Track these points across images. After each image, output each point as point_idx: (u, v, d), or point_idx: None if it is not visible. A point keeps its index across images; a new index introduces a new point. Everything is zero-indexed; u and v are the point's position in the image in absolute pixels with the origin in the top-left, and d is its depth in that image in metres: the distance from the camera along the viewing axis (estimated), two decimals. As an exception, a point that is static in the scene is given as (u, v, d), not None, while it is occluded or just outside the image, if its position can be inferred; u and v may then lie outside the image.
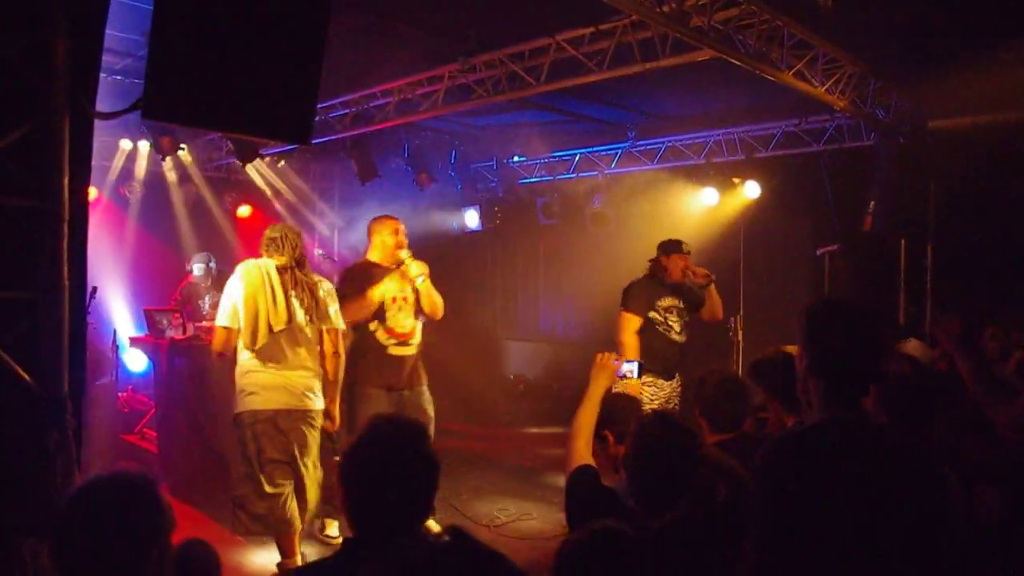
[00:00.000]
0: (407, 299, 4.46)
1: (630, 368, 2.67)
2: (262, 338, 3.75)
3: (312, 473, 3.94)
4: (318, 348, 3.96)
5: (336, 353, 4.00)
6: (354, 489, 1.60)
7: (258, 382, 3.79)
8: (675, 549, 1.47)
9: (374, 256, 4.54)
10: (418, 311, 4.51)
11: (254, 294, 3.76)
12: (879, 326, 1.75)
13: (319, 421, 3.96)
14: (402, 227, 4.53)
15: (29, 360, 1.74)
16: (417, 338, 4.54)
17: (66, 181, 1.86)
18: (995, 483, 2.30)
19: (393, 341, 4.43)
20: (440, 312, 4.57)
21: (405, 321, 4.46)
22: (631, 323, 4.73)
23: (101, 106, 2.20)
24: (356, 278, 4.43)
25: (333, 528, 4.52)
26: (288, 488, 3.82)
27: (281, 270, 3.86)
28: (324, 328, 3.97)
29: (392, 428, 1.65)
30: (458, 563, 0.85)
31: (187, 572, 1.98)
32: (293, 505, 3.82)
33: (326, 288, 4.02)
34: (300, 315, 3.85)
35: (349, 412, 4.26)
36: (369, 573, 0.87)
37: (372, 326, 4.40)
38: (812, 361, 1.68)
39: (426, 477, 1.61)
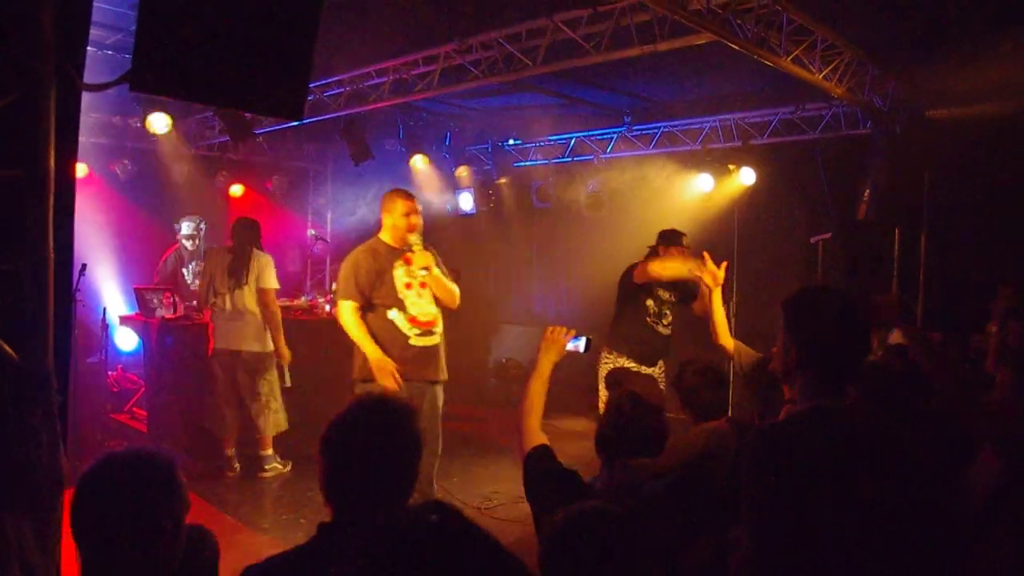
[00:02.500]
0: (425, 284, 4.08)
1: (575, 344, 2.57)
2: (215, 299, 5.35)
3: (264, 398, 5.37)
4: (257, 305, 5.34)
5: (266, 305, 5.34)
6: (334, 465, 1.57)
7: (219, 331, 5.36)
8: (649, 527, 1.47)
9: (385, 235, 4.14)
10: (436, 300, 4.16)
11: (210, 269, 5.43)
12: (862, 314, 1.75)
13: (266, 360, 5.38)
14: (417, 207, 4.13)
15: (13, 335, 1.71)
16: (440, 326, 4.15)
17: (52, 153, 1.82)
18: (995, 452, 2.30)
19: (416, 331, 4.03)
20: (456, 302, 4.20)
21: (428, 307, 4.08)
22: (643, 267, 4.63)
23: (91, 81, 2.16)
24: (361, 268, 4.01)
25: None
26: (248, 404, 5.36)
27: (229, 251, 5.40)
28: (257, 289, 5.33)
29: (377, 405, 1.62)
30: (447, 542, 0.83)
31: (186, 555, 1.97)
32: (240, 417, 5.41)
33: (260, 262, 5.36)
34: (239, 279, 5.29)
35: None
36: (357, 554, 0.84)
37: (391, 314, 4.01)
38: (799, 352, 1.68)
39: (408, 457, 1.58)
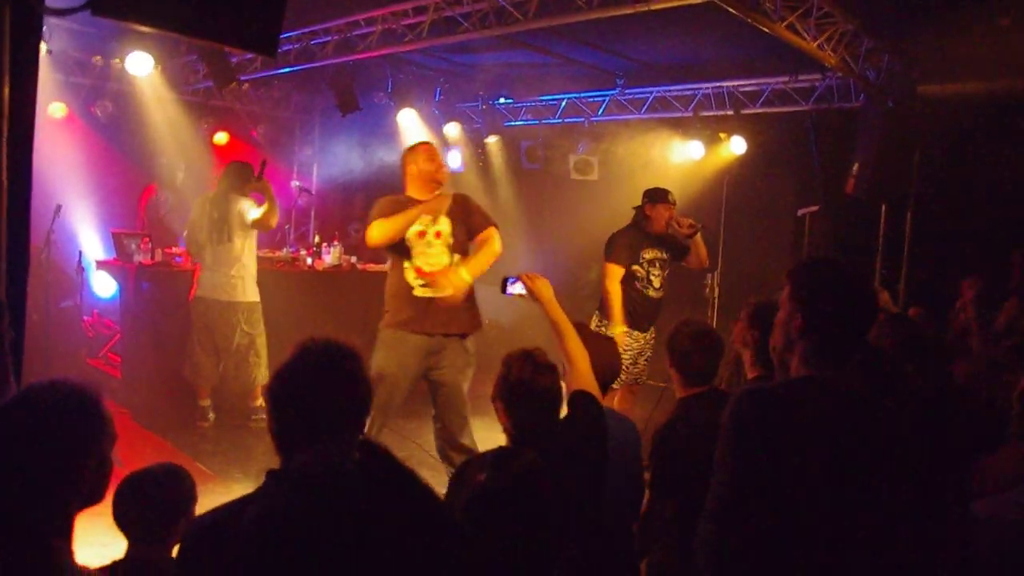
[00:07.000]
0: (440, 233, 3.91)
1: (517, 286, 2.54)
2: (200, 250, 5.31)
3: (257, 349, 5.40)
4: (243, 254, 5.28)
5: (265, 227, 5.33)
6: (279, 412, 1.54)
7: (201, 279, 5.31)
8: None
9: (412, 190, 3.98)
10: (455, 249, 3.95)
11: (196, 219, 5.33)
12: (871, 287, 1.73)
13: (247, 310, 5.34)
14: (437, 151, 4.07)
15: (-36, 264, 1.66)
16: None
17: (6, 77, 1.75)
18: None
19: (420, 282, 3.88)
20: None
21: (437, 258, 3.90)
22: (615, 272, 4.71)
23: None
24: (386, 206, 3.93)
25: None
26: (217, 354, 5.37)
27: (213, 199, 5.30)
28: (248, 230, 5.28)
29: (318, 349, 1.57)
30: (366, 480, 0.80)
31: (153, 495, 1.94)
32: (217, 367, 5.42)
33: (239, 207, 5.24)
34: (220, 233, 5.22)
35: (373, 355, 3.82)
36: (265, 498, 0.81)
37: (405, 264, 3.90)
38: (804, 320, 1.64)
39: (350, 395, 1.55)
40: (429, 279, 3.88)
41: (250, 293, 5.36)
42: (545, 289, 2.46)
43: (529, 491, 1.30)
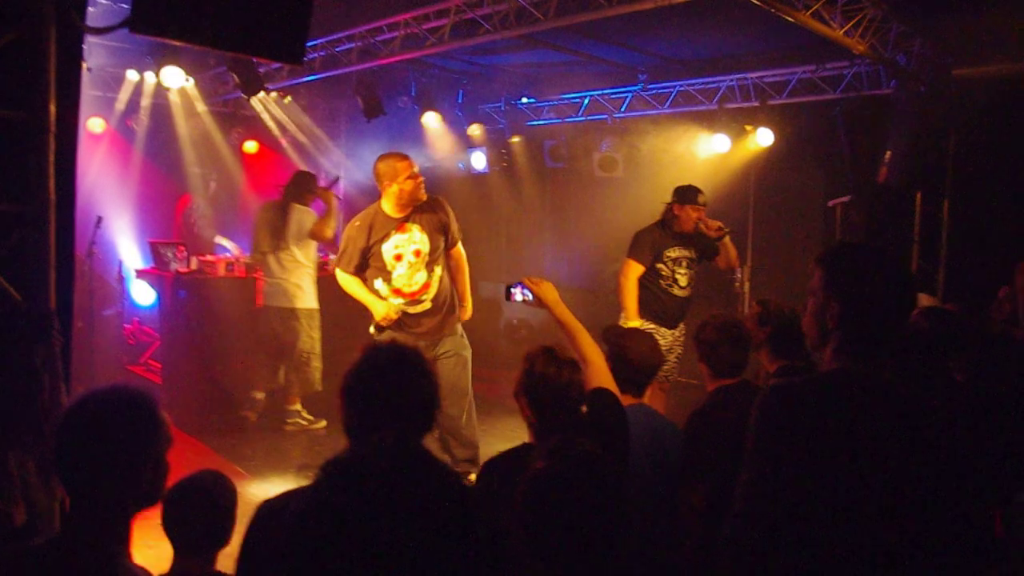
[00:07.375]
0: (419, 252, 4.02)
1: (521, 291, 2.56)
2: (263, 257, 5.44)
3: (305, 355, 5.44)
4: (303, 261, 5.43)
5: (321, 237, 5.45)
6: (350, 405, 1.63)
7: (265, 288, 5.49)
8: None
9: (388, 206, 4.02)
10: (434, 262, 4.08)
11: (258, 226, 5.45)
12: (911, 274, 1.68)
13: (307, 316, 5.45)
14: (416, 166, 4.07)
15: (16, 275, 1.73)
16: (432, 291, 4.10)
17: (52, 93, 1.82)
18: None
19: (401, 301, 4.06)
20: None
21: (414, 278, 4.04)
22: (632, 268, 4.71)
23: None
24: (361, 228, 4.02)
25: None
26: (280, 359, 5.52)
27: (275, 207, 5.44)
28: (306, 239, 5.41)
29: (389, 349, 1.69)
30: (392, 469, 0.83)
31: (201, 504, 1.99)
32: (279, 371, 5.56)
33: (299, 217, 5.36)
34: (279, 240, 5.35)
35: None
36: (309, 487, 0.85)
37: (376, 283, 4.05)
38: (842, 309, 1.56)
39: (419, 393, 1.63)
40: (408, 298, 4.05)
41: (310, 299, 5.47)
42: (549, 292, 2.47)
43: (590, 476, 1.33)
